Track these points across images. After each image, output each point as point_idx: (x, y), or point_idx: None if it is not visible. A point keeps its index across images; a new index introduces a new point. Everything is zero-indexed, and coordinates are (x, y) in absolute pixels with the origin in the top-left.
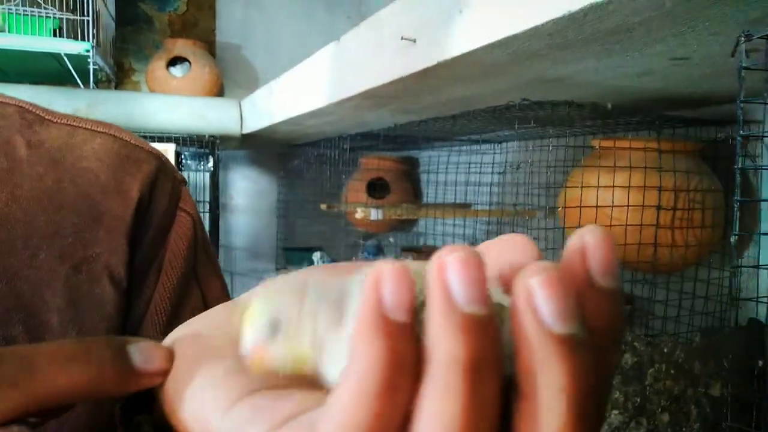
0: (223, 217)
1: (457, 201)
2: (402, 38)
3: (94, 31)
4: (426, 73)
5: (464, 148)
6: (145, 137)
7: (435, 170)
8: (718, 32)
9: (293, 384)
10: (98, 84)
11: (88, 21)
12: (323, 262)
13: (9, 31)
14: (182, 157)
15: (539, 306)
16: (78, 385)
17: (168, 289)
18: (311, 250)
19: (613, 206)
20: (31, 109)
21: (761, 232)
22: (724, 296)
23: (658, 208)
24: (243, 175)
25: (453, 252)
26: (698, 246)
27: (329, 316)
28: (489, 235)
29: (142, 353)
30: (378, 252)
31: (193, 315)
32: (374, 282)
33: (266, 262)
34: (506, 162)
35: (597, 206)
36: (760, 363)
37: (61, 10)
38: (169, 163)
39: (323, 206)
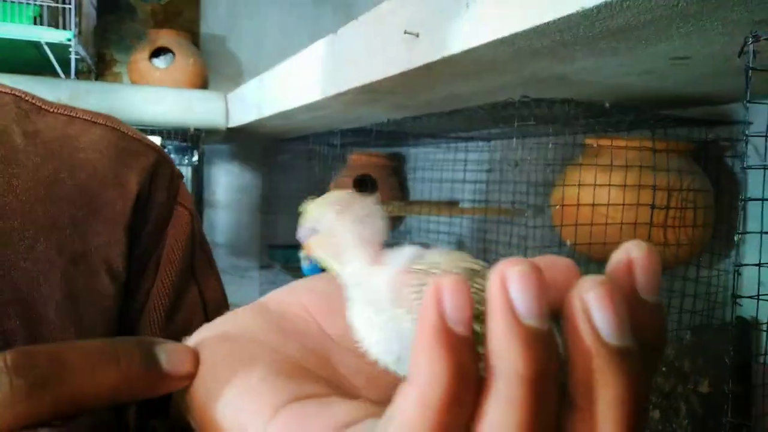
0: (205, 213)
1: (444, 198)
2: (405, 32)
3: (77, 20)
4: (428, 68)
5: (452, 145)
6: None
7: (422, 167)
8: (724, 33)
9: (331, 392)
10: (78, 74)
11: (69, 9)
12: (310, 259)
13: None
14: (166, 150)
15: (596, 319)
16: (107, 387)
17: (166, 284)
18: (296, 247)
19: (608, 205)
20: (27, 98)
21: (748, 230)
22: (712, 294)
23: (652, 207)
24: (225, 169)
25: (514, 265)
26: (690, 245)
27: (354, 238)
28: (477, 232)
29: (170, 355)
30: None
31: (191, 311)
32: (435, 295)
33: (249, 258)
34: (495, 159)
35: (593, 204)
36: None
37: None
38: (168, 156)
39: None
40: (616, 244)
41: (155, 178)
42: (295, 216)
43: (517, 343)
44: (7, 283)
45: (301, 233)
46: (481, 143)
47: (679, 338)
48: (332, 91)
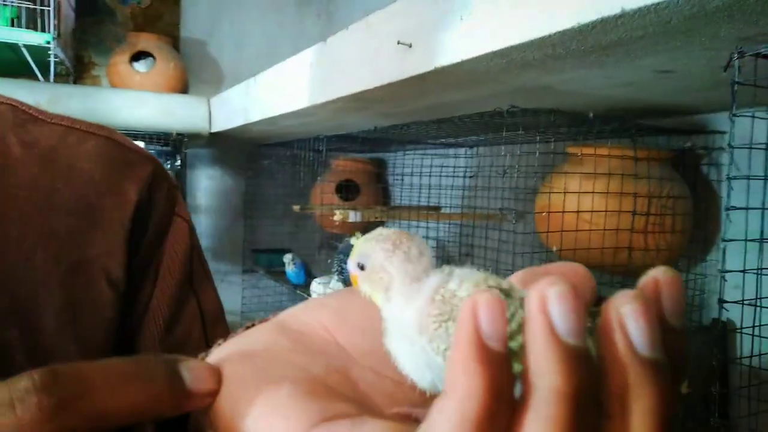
0: None
1: (426, 203)
2: (398, 42)
3: (56, 22)
4: (421, 78)
5: (438, 151)
6: None
7: (405, 173)
8: (709, 48)
9: (359, 412)
10: (57, 77)
11: (48, 11)
12: (294, 264)
13: None
14: None
15: (631, 332)
16: (133, 405)
17: (166, 295)
18: (280, 251)
19: (592, 211)
20: (23, 107)
21: (729, 238)
22: (689, 298)
23: (634, 213)
24: (207, 174)
25: (553, 285)
26: (668, 250)
27: (402, 277)
28: (458, 237)
29: (193, 373)
30: None
31: (190, 323)
32: (471, 310)
33: (231, 263)
34: (477, 166)
35: (578, 211)
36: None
37: None
38: (163, 167)
39: (296, 207)
40: (599, 250)
41: (153, 189)
42: (278, 220)
43: (557, 361)
44: (5, 292)
45: (349, 266)
46: (463, 150)
47: None
48: (321, 98)
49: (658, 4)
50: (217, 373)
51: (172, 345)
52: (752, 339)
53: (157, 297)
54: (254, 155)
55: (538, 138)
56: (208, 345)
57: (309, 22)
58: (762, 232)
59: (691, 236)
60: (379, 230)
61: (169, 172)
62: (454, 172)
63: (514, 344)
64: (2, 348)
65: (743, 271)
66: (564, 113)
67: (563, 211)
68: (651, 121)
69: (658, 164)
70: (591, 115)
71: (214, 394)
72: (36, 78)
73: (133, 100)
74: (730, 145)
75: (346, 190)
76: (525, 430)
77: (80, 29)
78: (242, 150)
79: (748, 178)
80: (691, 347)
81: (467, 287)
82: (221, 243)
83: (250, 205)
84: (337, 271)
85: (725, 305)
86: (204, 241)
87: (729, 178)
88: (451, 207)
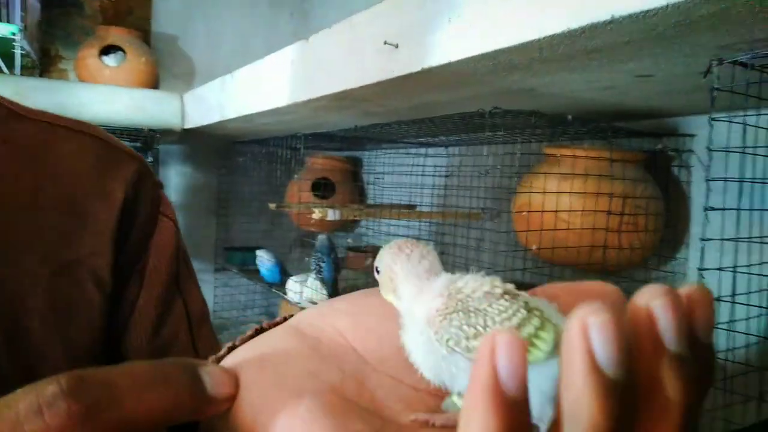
0: None
1: (402, 202)
2: (385, 43)
3: (22, 13)
4: (407, 78)
5: (414, 150)
6: None
7: (381, 171)
8: (689, 55)
9: (375, 428)
10: (22, 70)
11: (14, 1)
12: (269, 261)
13: None
14: None
15: (661, 326)
16: (157, 410)
17: (153, 296)
18: (254, 249)
19: (570, 211)
20: (4, 102)
21: (702, 238)
22: None
23: (609, 213)
24: (178, 171)
25: (595, 314)
26: (641, 249)
27: (407, 276)
28: (433, 235)
29: (213, 378)
30: (330, 251)
31: (177, 324)
32: (489, 351)
33: (203, 261)
34: (454, 165)
35: (556, 211)
36: None
37: None
38: (148, 165)
39: (272, 205)
40: (576, 248)
41: (139, 188)
42: (252, 218)
43: (598, 395)
44: None
45: (375, 273)
46: (439, 149)
47: None
48: (302, 96)
49: (647, 11)
50: (234, 379)
51: (159, 346)
52: (726, 334)
53: (144, 298)
54: (228, 152)
55: (519, 139)
56: (194, 346)
57: (282, 21)
58: (738, 232)
59: (662, 236)
60: (393, 241)
61: None
62: (433, 170)
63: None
64: None
65: (720, 269)
66: (544, 115)
67: (542, 211)
68: (625, 124)
69: (632, 166)
70: (570, 117)
71: (232, 399)
72: (0, 71)
73: (104, 95)
74: (708, 149)
75: (323, 189)
76: None
77: (47, 21)
78: (215, 147)
79: (725, 180)
80: None
81: (472, 286)
82: (193, 241)
83: (223, 203)
84: (315, 269)
85: None
86: None
87: (708, 180)
88: (426, 206)
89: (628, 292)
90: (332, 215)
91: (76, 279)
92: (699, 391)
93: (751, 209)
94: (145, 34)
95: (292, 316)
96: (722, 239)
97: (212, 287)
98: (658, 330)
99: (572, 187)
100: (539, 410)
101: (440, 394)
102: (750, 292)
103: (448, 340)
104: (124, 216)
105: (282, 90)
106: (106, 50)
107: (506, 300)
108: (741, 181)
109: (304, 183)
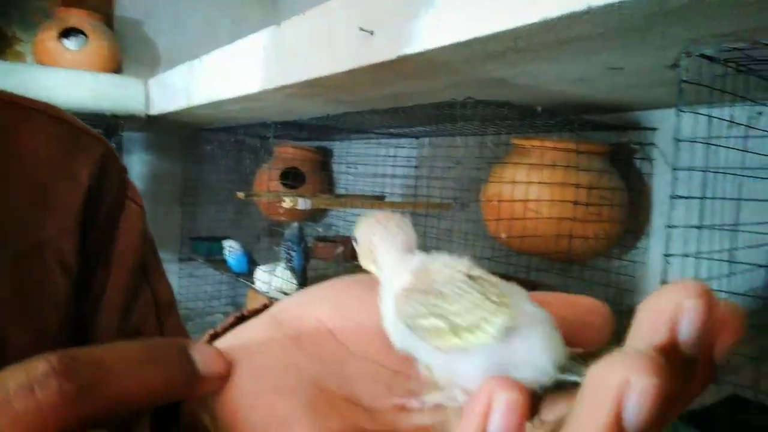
0: None
1: (371, 192)
2: (360, 29)
3: None
4: (382, 66)
5: (384, 141)
6: None
7: (351, 162)
8: (659, 47)
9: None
10: None
11: None
12: (234, 251)
13: None
14: None
15: (683, 327)
16: (149, 389)
17: (121, 283)
18: (220, 239)
19: (538, 201)
20: None
21: (671, 225)
22: (622, 282)
23: (575, 203)
24: (141, 159)
25: (638, 375)
26: (606, 239)
27: (385, 247)
28: None
29: (203, 356)
30: (300, 240)
31: (145, 311)
32: (483, 407)
33: (167, 251)
34: (424, 156)
35: (526, 200)
36: None
37: None
38: (113, 149)
39: (240, 194)
40: (543, 237)
41: (105, 172)
42: (218, 207)
43: None
44: None
45: (354, 243)
46: (409, 140)
47: None
48: (274, 83)
49: (622, 2)
50: (226, 359)
51: (127, 333)
52: None
53: (112, 284)
54: (194, 140)
55: (489, 130)
56: (162, 334)
57: (250, 8)
58: (701, 219)
59: (625, 226)
60: (374, 213)
61: None
62: (403, 161)
63: (460, 321)
64: None
65: (685, 255)
66: (515, 106)
67: (512, 200)
68: (591, 117)
69: (598, 157)
70: (539, 109)
71: (224, 378)
72: None
73: (65, 79)
74: (676, 139)
75: (292, 178)
76: None
77: (2, 1)
78: (181, 135)
79: (690, 169)
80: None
81: (440, 267)
82: (157, 231)
83: (189, 192)
84: (284, 258)
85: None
86: None
87: (674, 169)
88: (396, 195)
89: (592, 281)
90: (303, 204)
91: (40, 262)
92: (697, 392)
93: (713, 198)
94: (107, 17)
95: (271, 304)
96: (688, 226)
97: (177, 278)
98: (679, 327)
99: (541, 177)
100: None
101: (418, 378)
102: (711, 278)
103: (406, 317)
104: (90, 200)
105: (253, 76)
106: (67, 33)
107: (466, 283)
108: (706, 171)
109: (274, 172)
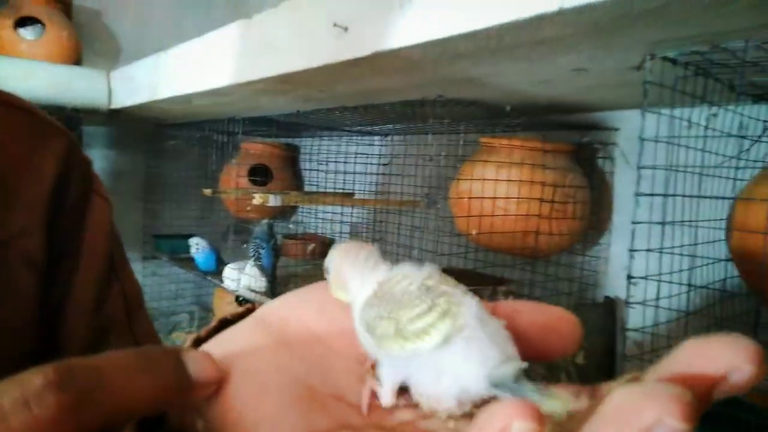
0: None
1: (339, 189)
2: (334, 25)
3: None
4: (355, 62)
5: (353, 138)
6: None
7: (319, 159)
8: (624, 49)
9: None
10: None
11: None
12: (202, 248)
13: None
14: None
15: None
16: (145, 398)
17: (89, 278)
18: (185, 237)
19: (507, 198)
20: None
21: (636, 221)
22: (585, 278)
23: (541, 200)
24: (102, 154)
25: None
26: (570, 235)
27: (353, 273)
28: (372, 223)
29: (196, 363)
30: (270, 238)
31: (114, 307)
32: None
33: (129, 249)
34: (392, 153)
35: (494, 198)
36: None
37: None
38: (76, 140)
39: (207, 191)
40: (511, 234)
41: (70, 164)
42: (183, 205)
43: None
44: None
45: (325, 273)
46: (377, 138)
47: None
48: (245, 77)
49: (594, 4)
50: (217, 365)
51: (96, 330)
52: (654, 310)
53: (80, 279)
54: (158, 135)
55: (459, 128)
56: (131, 330)
57: (217, 1)
58: (664, 216)
59: (588, 223)
60: (343, 242)
61: None
62: (372, 159)
63: (408, 327)
64: None
65: (648, 250)
66: (484, 105)
67: (482, 197)
68: (556, 117)
69: (562, 156)
70: (508, 108)
71: (218, 383)
72: None
73: (21, 70)
74: (641, 138)
75: (260, 175)
76: None
77: None
78: (144, 130)
79: (654, 168)
80: (587, 323)
81: (398, 279)
82: (118, 228)
83: (151, 188)
84: (253, 256)
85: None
86: None
87: (639, 168)
88: (365, 193)
89: (557, 276)
90: (274, 201)
91: (5, 260)
92: None
93: (674, 195)
94: (65, 6)
95: (254, 308)
96: (652, 222)
97: (140, 276)
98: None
99: (509, 175)
100: (429, 394)
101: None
102: (672, 272)
103: (365, 322)
104: (56, 194)
105: (223, 70)
106: (23, 22)
107: (418, 292)
108: (668, 169)
109: (241, 168)
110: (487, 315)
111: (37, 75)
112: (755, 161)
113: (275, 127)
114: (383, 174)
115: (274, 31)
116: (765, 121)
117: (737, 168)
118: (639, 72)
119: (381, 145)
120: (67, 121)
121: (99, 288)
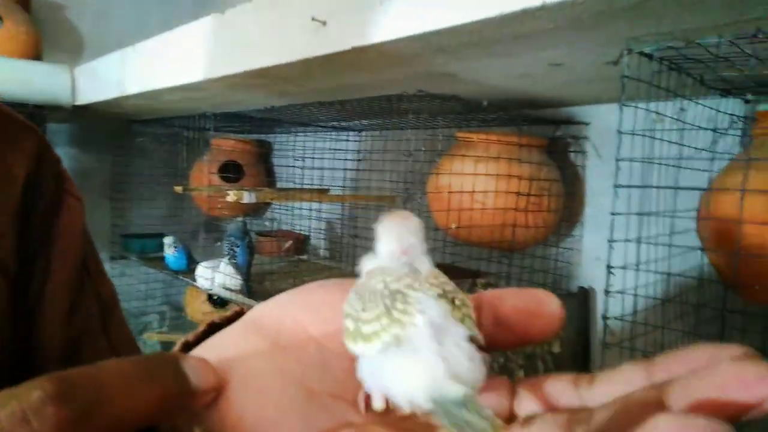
0: None
1: (312, 185)
2: (312, 19)
3: None
4: (334, 57)
5: (326, 134)
6: None
7: (291, 155)
8: (601, 44)
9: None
10: None
11: None
12: (175, 248)
13: None
14: None
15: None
16: (146, 408)
17: (63, 281)
18: (154, 236)
19: (485, 192)
20: None
21: (615, 212)
22: (559, 269)
23: (518, 194)
24: (66, 152)
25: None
26: (545, 227)
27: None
28: (346, 219)
29: (195, 370)
30: (244, 235)
31: (89, 311)
32: None
33: (97, 249)
34: (367, 149)
35: (473, 191)
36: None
37: None
38: (46, 138)
39: (178, 189)
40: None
41: (41, 163)
42: (151, 203)
43: None
44: None
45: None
46: (351, 133)
47: None
48: (218, 72)
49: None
50: (215, 372)
51: (72, 334)
52: (633, 298)
53: (54, 282)
54: (125, 132)
55: (436, 123)
56: (106, 331)
57: None
58: (641, 207)
59: (561, 216)
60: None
61: None
62: (346, 155)
63: (364, 328)
64: None
65: (627, 241)
66: (462, 100)
67: (461, 192)
68: (531, 112)
69: (537, 150)
70: (485, 103)
71: (218, 390)
72: None
73: None
74: (619, 131)
75: (231, 171)
76: None
77: None
78: (110, 127)
79: (631, 160)
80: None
81: (376, 272)
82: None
83: (119, 187)
84: (228, 254)
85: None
86: None
87: (618, 160)
88: (339, 189)
89: (532, 268)
90: (248, 198)
91: None
92: None
93: (651, 186)
94: (24, 0)
95: (243, 311)
96: (629, 213)
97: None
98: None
99: (486, 169)
100: (378, 394)
101: None
102: (648, 261)
103: (344, 314)
104: (27, 195)
105: (195, 65)
106: None
107: (381, 295)
108: (645, 161)
109: (212, 165)
110: (455, 327)
111: None
112: (723, 153)
113: (248, 123)
114: (359, 170)
115: (250, 26)
116: (732, 115)
117: (711, 160)
118: (615, 67)
119: (357, 141)
120: (31, 118)
121: (73, 293)
